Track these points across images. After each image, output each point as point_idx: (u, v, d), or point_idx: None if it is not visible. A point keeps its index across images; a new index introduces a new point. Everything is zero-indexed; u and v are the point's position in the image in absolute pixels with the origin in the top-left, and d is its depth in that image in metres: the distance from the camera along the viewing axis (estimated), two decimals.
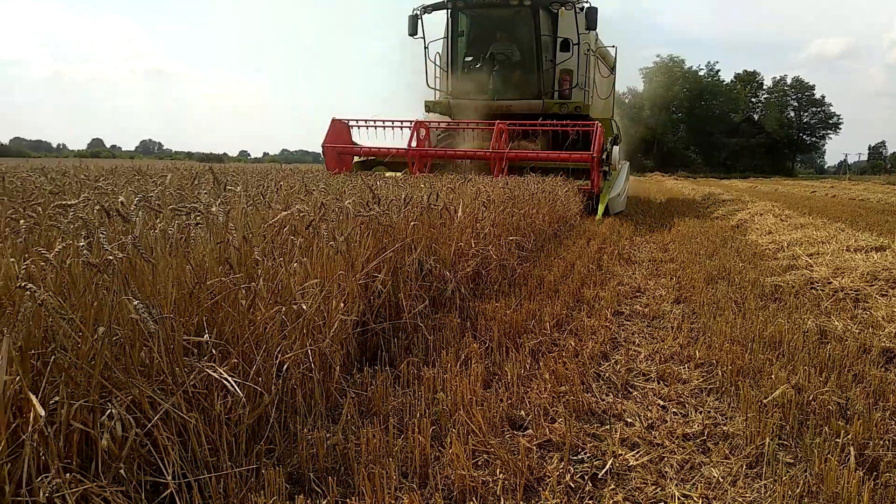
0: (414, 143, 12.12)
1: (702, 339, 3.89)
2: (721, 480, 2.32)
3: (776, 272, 6.17)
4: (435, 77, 13.83)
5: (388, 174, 11.18)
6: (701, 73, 72.25)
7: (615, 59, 16.71)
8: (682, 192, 20.60)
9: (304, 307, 2.63)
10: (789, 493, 2.19)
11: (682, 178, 39.19)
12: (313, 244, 3.16)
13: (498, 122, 11.52)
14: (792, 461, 2.48)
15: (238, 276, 2.42)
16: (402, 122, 12.49)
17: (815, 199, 17.97)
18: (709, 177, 44.25)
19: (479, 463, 2.38)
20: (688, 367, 3.50)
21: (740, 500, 2.21)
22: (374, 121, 12.79)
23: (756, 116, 75.16)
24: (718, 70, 74.63)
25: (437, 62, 13.90)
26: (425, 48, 13.42)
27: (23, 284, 1.74)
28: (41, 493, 1.64)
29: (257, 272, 2.60)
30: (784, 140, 73.54)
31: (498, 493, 2.17)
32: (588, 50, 13.20)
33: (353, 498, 2.07)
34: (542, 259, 6.32)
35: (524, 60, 13.19)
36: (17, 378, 1.72)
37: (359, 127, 13.00)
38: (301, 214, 3.42)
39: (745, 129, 70.84)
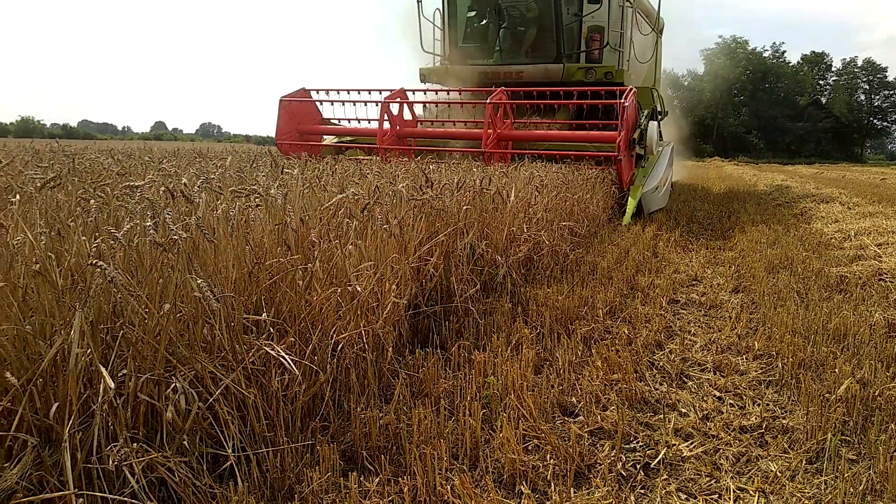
0: (388, 123, 9.61)
1: (761, 330, 3.78)
2: (779, 475, 2.27)
3: (842, 262, 5.93)
4: (434, 40, 11.28)
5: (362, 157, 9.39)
6: (766, 54, 69.56)
7: (660, 15, 13.07)
8: (743, 180, 19.94)
9: (359, 289, 2.67)
10: (851, 490, 2.12)
11: (742, 163, 37.95)
12: (368, 227, 3.20)
13: (496, 90, 8.95)
14: (855, 458, 2.40)
15: (295, 258, 2.47)
16: (380, 91, 9.78)
17: (885, 186, 17.15)
18: (771, 162, 42.74)
19: (530, 448, 2.38)
20: (746, 359, 3.41)
21: (799, 495, 2.15)
22: (345, 91, 10.11)
23: (823, 100, 72.00)
24: (784, 51, 71.69)
25: (435, 21, 11.25)
26: (419, 2, 10.91)
27: (94, 262, 1.81)
28: (110, 461, 1.72)
29: (313, 254, 2.65)
30: (853, 124, 70.24)
31: (548, 478, 2.17)
32: (624, 1, 10.28)
33: (405, 477, 2.11)
34: (596, 245, 6.24)
35: (540, 14, 10.35)
36: (89, 351, 1.80)
37: (331, 102, 10.44)
38: (356, 198, 3.47)
39: (812, 112, 67.96)
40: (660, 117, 11.44)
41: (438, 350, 3.27)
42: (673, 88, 62.58)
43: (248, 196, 2.84)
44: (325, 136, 10.76)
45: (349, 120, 10.53)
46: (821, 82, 74.58)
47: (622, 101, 8.17)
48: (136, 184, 2.59)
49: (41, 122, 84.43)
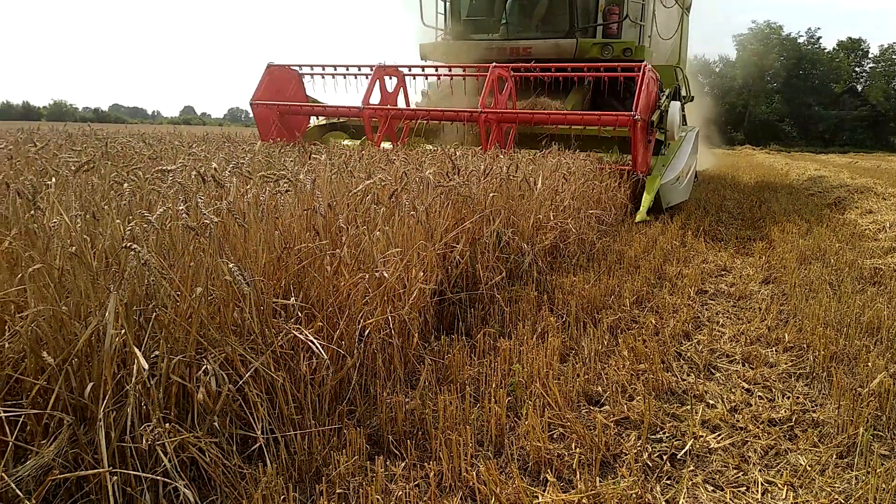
0: (377, 100, 8.54)
1: (792, 322, 3.72)
2: (809, 469, 2.24)
3: (876, 254, 5.80)
4: (437, 13, 10.26)
5: (346, 142, 8.61)
6: (800, 40, 67.88)
7: None
8: (775, 168, 19.55)
9: (386, 275, 2.68)
10: (883, 486, 2.09)
11: (774, 151, 37.21)
12: (395, 213, 3.20)
13: (493, 66, 7.77)
14: (887, 453, 2.36)
15: (324, 243, 2.49)
16: (369, 67, 8.66)
17: None
18: (804, 151, 41.85)
19: (555, 436, 2.38)
20: (776, 351, 3.36)
21: (828, 489, 2.12)
22: (331, 67, 9.04)
23: (859, 87, 70.11)
24: (820, 37, 69.94)
25: None
26: None
27: (128, 245, 1.84)
28: (144, 441, 1.76)
29: (341, 239, 2.67)
30: (889, 113, 68.32)
31: (574, 466, 2.17)
32: None
33: (431, 462, 2.12)
34: (623, 233, 6.18)
35: None
36: (123, 332, 1.83)
37: (312, 76, 9.33)
38: (383, 184, 3.47)
39: (847, 100, 66.23)
40: (684, 100, 10.18)
41: (463, 337, 3.27)
42: (704, 74, 61.39)
43: (276, 181, 2.86)
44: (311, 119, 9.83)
45: (337, 108, 9.22)
46: (857, 69, 72.59)
47: (640, 78, 7.04)
48: (168, 168, 2.62)
49: (73, 106, 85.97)
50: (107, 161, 3.92)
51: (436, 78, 9.28)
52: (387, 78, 8.72)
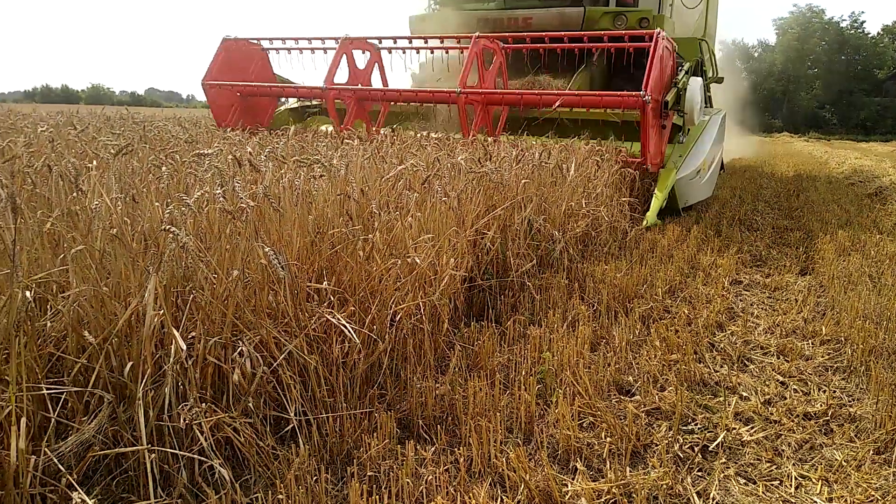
0: (346, 79, 7.40)
1: (829, 315, 3.65)
2: (844, 464, 2.20)
3: None
4: None
5: (326, 128, 7.58)
6: (843, 24, 65.84)
7: None
8: (814, 157, 19.07)
9: (418, 261, 2.69)
10: None
11: (813, 139, 36.29)
12: (426, 199, 3.20)
13: (477, 37, 6.63)
14: None
15: (357, 228, 2.50)
16: (334, 40, 7.52)
17: None
18: (844, 139, 40.75)
19: (585, 425, 2.38)
20: (812, 343, 3.30)
21: (864, 486, 2.08)
22: (293, 41, 7.90)
23: None
24: (864, 21, 67.70)
25: None
26: None
27: (167, 227, 1.88)
28: (181, 420, 1.80)
29: (373, 225, 2.68)
30: None
31: (604, 456, 2.16)
32: None
33: (461, 448, 2.13)
34: None
35: None
36: (161, 313, 1.87)
37: (278, 51, 8.25)
38: (415, 169, 3.47)
39: (891, 87, 64.10)
40: (709, 78, 8.91)
41: (493, 324, 3.27)
42: (742, 59, 59.93)
43: (310, 166, 2.88)
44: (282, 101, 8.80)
45: (297, 88, 8.14)
46: None
47: (652, 49, 5.85)
48: (205, 152, 2.66)
49: (110, 90, 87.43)
50: (144, 144, 3.98)
51: (429, 53, 7.82)
52: (358, 53, 7.59)
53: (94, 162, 2.73)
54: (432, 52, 7.63)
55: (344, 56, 7.32)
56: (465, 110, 6.44)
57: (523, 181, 4.15)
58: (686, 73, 6.65)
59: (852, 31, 68.35)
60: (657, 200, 6.01)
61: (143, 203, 2.32)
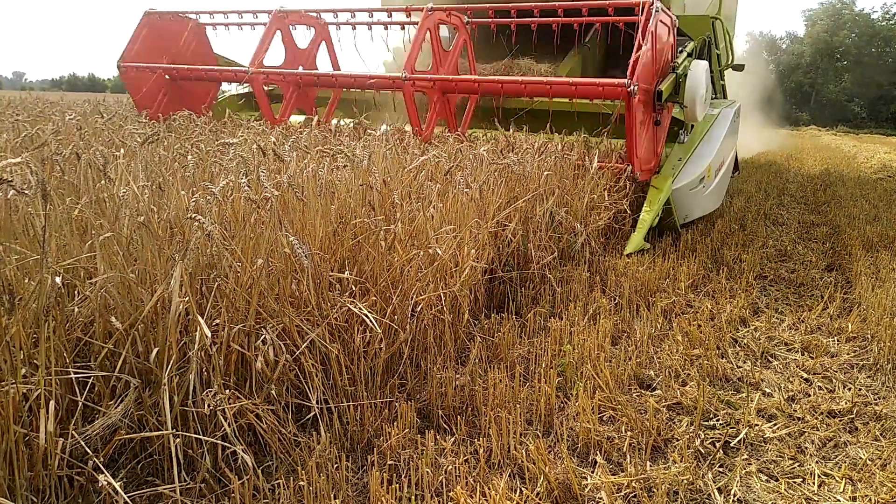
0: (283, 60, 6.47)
1: (856, 311, 3.59)
2: (869, 463, 2.17)
3: None
4: None
5: (295, 118, 6.49)
6: (874, 16, 64.39)
7: None
8: (842, 151, 18.70)
9: (440, 251, 2.69)
10: None
11: (841, 133, 35.63)
12: (448, 191, 3.20)
13: (430, 9, 5.47)
14: None
15: (379, 219, 2.51)
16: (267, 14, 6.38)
17: None
18: (874, 133, 39.95)
19: (605, 418, 2.37)
20: (837, 340, 3.25)
21: (889, 485, 2.05)
22: (235, 14, 6.74)
23: None
24: None
25: None
26: None
27: (192, 216, 1.90)
28: (206, 405, 1.82)
29: (395, 215, 2.69)
30: None
31: (624, 449, 2.15)
32: None
33: (480, 439, 2.14)
34: None
35: None
36: (186, 300, 1.90)
37: (215, 27, 7.08)
38: (437, 160, 3.47)
39: None
40: (722, 63, 7.63)
41: (514, 316, 3.27)
42: (770, 51, 58.89)
43: (333, 156, 2.89)
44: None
45: (221, 71, 6.79)
46: None
47: (640, 24, 4.70)
48: (230, 141, 2.68)
49: None
50: (170, 133, 4.03)
51: (405, 35, 6.49)
52: (300, 29, 6.62)
53: (122, 150, 2.76)
54: (402, 28, 6.39)
55: (279, 33, 6.36)
56: (412, 99, 5.24)
57: (546, 173, 4.13)
58: (689, 55, 5.50)
59: (883, 23, 66.78)
60: (646, 218, 4.78)
61: (169, 191, 2.34)
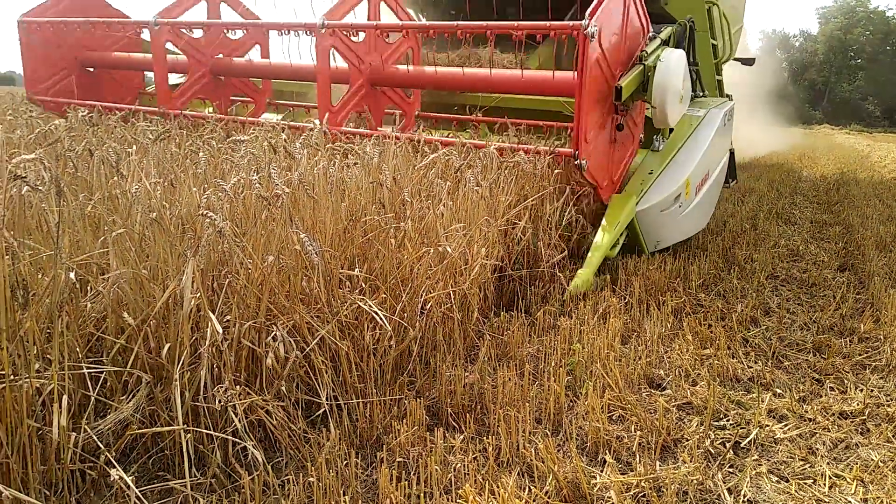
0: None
1: (868, 312, 3.56)
2: (881, 464, 2.15)
3: None
4: None
5: (268, 116, 5.69)
6: (889, 13, 63.77)
7: None
8: (855, 150, 18.53)
9: (449, 249, 2.69)
10: None
11: (854, 132, 35.33)
12: (458, 189, 3.20)
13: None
14: None
15: (389, 216, 2.51)
16: None
17: None
18: (888, 132, 39.60)
19: (614, 417, 2.36)
20: (849, 341, 3.23)
21: None
22: None
23: None
24: None
25: None
26: None
27: (204, 212, 1.91)
28: (216, 401, 1.83)
29: (405, 213, 2.69)
30: None
31: (633, 449, 2.15)
32: None
33: (489, 437, 2.14)
34: None
35: None
36: (198, 296, 1.91)
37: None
38: (447, 158, 3.47)
39: None
40: (718, 56, 6.56)
41: (523, 314, 3.27)
42: (783, 49, 58.44)
43: (344, 154, 2.89)
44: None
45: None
46: None
47: (598, 7, 3.55)
48: (241, 138, 2.69)
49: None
50: (181, 130, 4.05)
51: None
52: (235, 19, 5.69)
53: (134, 147, 2.78)
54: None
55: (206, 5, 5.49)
56: (327, 56, 4.48)
57: (556, 171, 4.11)
58: (663, 43, 4.39)
59: None
60: (598, 247, 3.78)
61: (181, 188, 2.36)
